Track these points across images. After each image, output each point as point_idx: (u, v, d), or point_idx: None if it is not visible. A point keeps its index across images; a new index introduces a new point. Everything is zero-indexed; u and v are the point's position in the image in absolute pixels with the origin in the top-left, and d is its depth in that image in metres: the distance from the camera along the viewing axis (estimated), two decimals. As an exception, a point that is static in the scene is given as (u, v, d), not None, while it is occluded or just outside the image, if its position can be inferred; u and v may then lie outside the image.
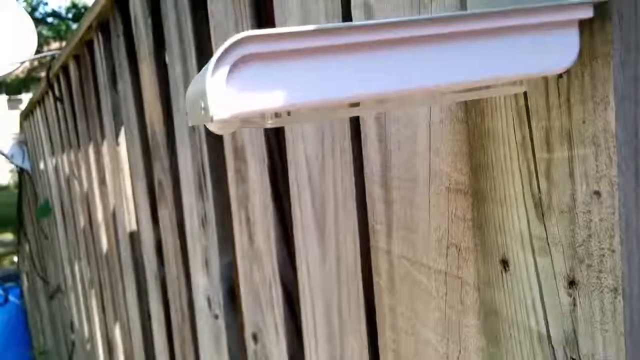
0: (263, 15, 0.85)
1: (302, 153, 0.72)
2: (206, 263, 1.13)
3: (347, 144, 0.63)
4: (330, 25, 0.26)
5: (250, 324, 0.97)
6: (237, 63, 0.25)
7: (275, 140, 0.86)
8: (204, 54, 1.08)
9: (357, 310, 0.66)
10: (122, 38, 1.48)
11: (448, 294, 0.51)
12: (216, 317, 1.09)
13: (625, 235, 0.33)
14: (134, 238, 1.68)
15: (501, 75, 0.29)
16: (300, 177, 0.73)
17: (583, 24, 0.32)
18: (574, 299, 0.36)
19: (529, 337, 0.41)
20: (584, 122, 0.34)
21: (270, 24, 0.81)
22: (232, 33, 0.90)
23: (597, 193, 0.34)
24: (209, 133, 1.04)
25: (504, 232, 0.43)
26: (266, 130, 0.85)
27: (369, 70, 0.27)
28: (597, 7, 0.31)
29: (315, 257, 0.73)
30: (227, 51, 0.25)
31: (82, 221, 2.39)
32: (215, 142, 1.04)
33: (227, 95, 0.25)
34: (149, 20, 1.27)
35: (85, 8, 13.81)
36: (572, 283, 0.36)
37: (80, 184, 2.30)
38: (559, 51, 0.30)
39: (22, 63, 2.69)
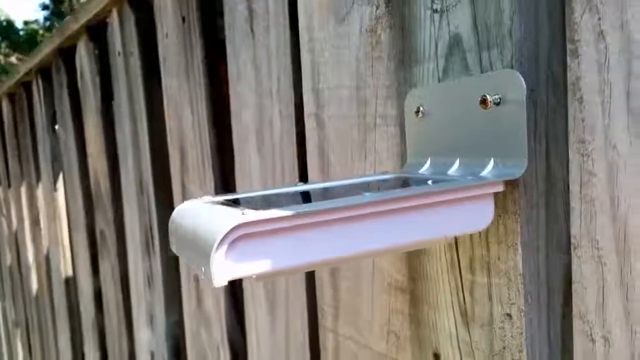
0: (217, 97, 0.92)
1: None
2: (151, 319, 1.16)
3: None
4: (303, 208, 0.34)
5: (196, 381, 1.01)
6: (234, 242, 0.33)
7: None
8: (155, 116, 1.13)
9: (304, 378, 0.74)
10: (65, 89, 1.50)
11: (388, 374, 0.59)
12: (161, 372, 1.13)
13: (530, 351, 0.42)
14: (70, 284, 1.68)
15: (430, 237, 0.38)
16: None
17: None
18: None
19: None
20: (499, 258, 0.43)
21: (225, 105, 0.88)
22: (186, 109, 0.96)
23: (509, 315, 0.43)
24: (159, 199, 1.09)
25: (437, 330, 0.51)
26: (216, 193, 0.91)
27: (332, 240, 0.35)
28: (510, 178, 0.40)
29: (265, 326, 0.80)
30: (227, 234, 0.33)
31: (8, 259, 2.33)
32: (165, 206, 1.09)
33: (225, 267, 0.33)
34: (97, 79, 1.31)
35: (8, 22, 13.27)
36: (490, 383, 0.45)
37: (9, 222, 2.26)
38: (477, 216, 0.39)
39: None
